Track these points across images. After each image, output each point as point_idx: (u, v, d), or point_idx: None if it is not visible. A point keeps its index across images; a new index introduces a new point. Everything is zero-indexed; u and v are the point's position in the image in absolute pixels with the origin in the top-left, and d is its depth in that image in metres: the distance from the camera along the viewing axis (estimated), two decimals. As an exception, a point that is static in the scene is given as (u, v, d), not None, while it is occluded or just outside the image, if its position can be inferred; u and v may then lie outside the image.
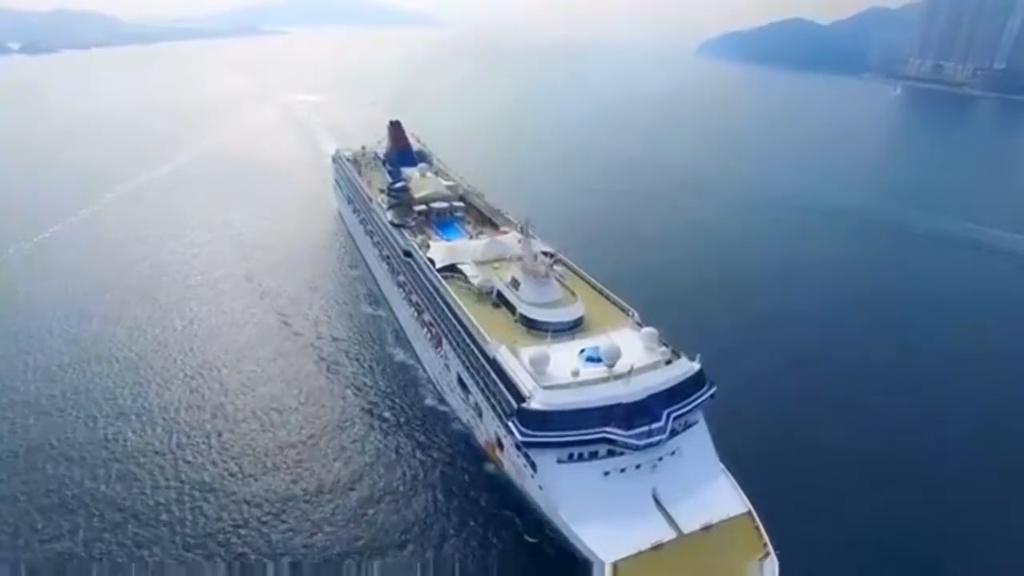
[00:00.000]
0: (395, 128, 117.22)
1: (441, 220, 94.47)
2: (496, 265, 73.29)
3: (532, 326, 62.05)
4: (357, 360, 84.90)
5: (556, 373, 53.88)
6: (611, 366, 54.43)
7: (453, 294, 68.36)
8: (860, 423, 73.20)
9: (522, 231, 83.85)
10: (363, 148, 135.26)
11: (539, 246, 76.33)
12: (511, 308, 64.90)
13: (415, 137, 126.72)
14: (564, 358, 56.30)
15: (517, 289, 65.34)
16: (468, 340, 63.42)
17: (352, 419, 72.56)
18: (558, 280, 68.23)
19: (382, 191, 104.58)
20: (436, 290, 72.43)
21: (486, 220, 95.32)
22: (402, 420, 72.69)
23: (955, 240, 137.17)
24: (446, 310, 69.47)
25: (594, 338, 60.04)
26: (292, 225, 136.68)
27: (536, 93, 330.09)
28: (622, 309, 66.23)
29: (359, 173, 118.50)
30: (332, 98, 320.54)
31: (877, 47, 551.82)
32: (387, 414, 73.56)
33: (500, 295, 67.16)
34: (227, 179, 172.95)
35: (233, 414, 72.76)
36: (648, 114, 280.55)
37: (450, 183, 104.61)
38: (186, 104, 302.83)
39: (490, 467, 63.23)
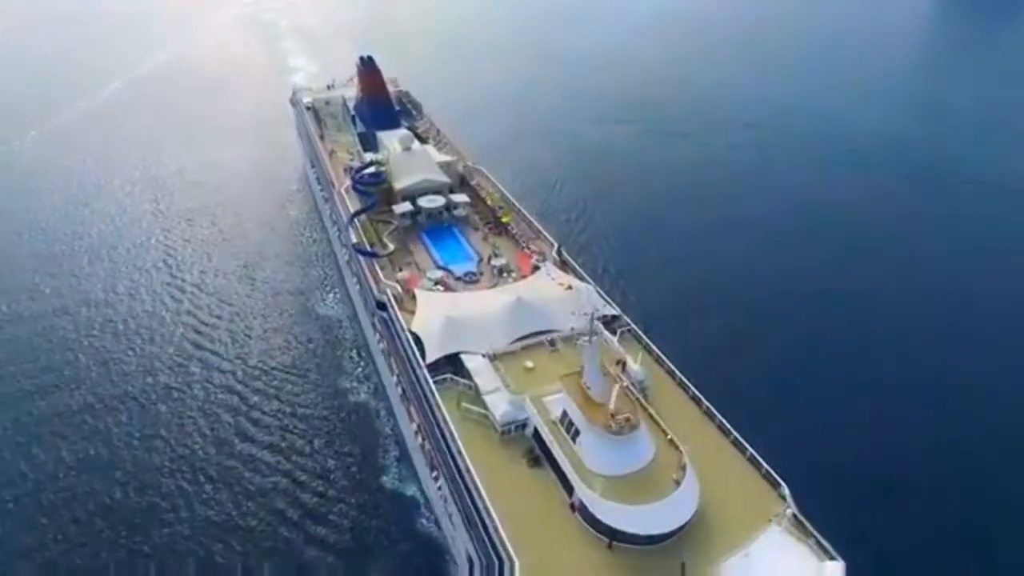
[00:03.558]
0: (367, 69, 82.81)
1: (435, 228, 63.62)
2: (529, 363, 43.45)
3: (610, 536, 33.39)
4: (291, 406, 58.68)
5: None
6: None
7: (458, 434, 39.09)
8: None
9: (558, 259, 54.54)
10: (329, 88, 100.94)
11: (588, 293, 47.49)
12: (564, 480, 35.88)
13: (395, 83, 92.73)
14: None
15: (575, 441, 36.07)
16: (488, 544, 34.96)
17: (269, 516, 48.80)
18: (646, 411, 38.73)
19: (348, 169, 72.87)
20: (428, 403, 43.13)
21: (500, 225, 64.47)
22: (351, 514, 48.97)
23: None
24: (447, 451, 40.59)
25: (729, 570, 31.77)
26: (241, 180, 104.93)
27: (548, 17, 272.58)
28: (754, 464, 37.41)
29: (321, 134, 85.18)
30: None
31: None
32: (331, 513, 49.22)
33: (541, 442, 37.95)
34: (171, 113, 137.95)
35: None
36: (651, 33, 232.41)
37: (445, 159, 72.49)
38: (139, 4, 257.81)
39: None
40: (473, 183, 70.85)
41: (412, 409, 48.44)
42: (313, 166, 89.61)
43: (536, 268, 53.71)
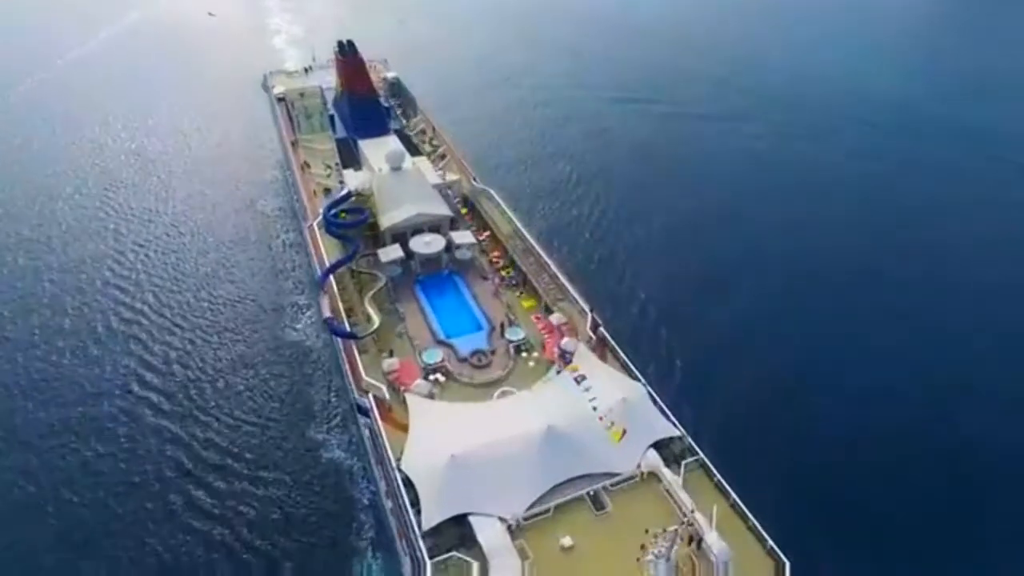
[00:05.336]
0: (348, 58, 67.75)
1: (433, 278, 50.68)
2: (567, 539, 30.97)
3: None
4: (250, 464, 47.12)
5: None
6: None
7: None
8: None
9: (593, 336, 42.30)
10: (307, 71, 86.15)
11: (641, 408, 35.82)
12: None
13: (383, 69, 78.11)
14: None
15: None
16: None
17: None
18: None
19: (323, 192, 59.71)
20: None
21: (515, 270, 51.51)
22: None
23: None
24: None
25: None
26: (209, 164, 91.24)
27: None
28: None
29: (295, 139, 70.69)
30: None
31: None
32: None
33: None
34: (135, 81, 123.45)
35: None
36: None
37: (443, 180, 58.82)
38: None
39: None
40: (480, 211, 57.37)
41: (403, 544, 36.55)
42: (288, 169, 75.95)
43: (565, 355, 41.01)
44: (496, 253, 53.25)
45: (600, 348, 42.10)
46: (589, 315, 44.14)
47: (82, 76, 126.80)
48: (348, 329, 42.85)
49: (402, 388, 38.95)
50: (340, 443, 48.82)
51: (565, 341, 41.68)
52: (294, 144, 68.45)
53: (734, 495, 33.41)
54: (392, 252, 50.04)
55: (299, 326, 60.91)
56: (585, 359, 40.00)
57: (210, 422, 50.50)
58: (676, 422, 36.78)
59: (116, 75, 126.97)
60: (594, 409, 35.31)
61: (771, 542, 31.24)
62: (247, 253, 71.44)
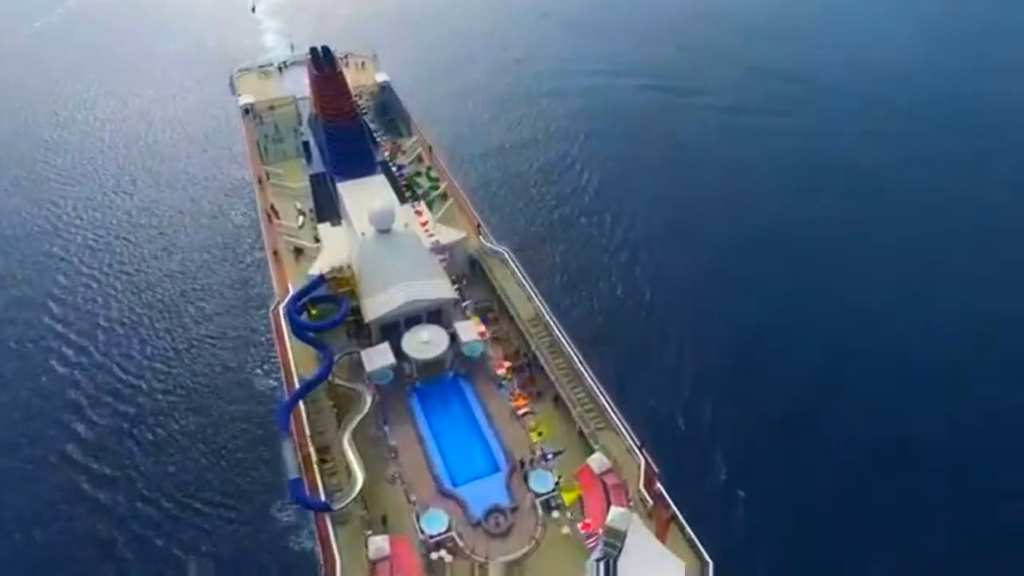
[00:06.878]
0: (325, 71, 53.68)
1: (433, 386, 39.74)
2: None
3: None
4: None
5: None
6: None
7: None
8: None
9: (648, 497, 31.78)
10: (281, 70, 72.82)
11: None
12: None
13: (372, 68, 65.50)
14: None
15: None
16: None
17: None
18: None
19: (292, 252, 48.32)
20: None
21: (538, 369, 40.46)
22: None
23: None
24: None
25: None
26: (175, 161, 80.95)
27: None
28: None
29: (263, 174, 58.05)
30: None
31: None
32: None
33: None
34: (94, 63, 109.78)
35: None
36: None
37: (445, 238, 46.81)
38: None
39: None
40: (495, 282, 45.73)
41: None
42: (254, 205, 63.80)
43: (613, 535, 30.15)
44: (511, 350, 42.03)
45: (660, 517, 31.42)
46: (642, 457, 33.40)
47: (42, 50, 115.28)
48: (322, 499, 31.93)
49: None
50: (312, 529, 38.98)
51: (613, 517, 30.53)
52: (262, 181, 56.13)
53: None
54: (379, 357, 38.76)
55: (268, 367, 51.56)
56: (643, 546, 29.28)
57: (151, 495, 43.10)
58: None
59: (75, 51, 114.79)
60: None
61: None
62: (209, 278, 62.07)
